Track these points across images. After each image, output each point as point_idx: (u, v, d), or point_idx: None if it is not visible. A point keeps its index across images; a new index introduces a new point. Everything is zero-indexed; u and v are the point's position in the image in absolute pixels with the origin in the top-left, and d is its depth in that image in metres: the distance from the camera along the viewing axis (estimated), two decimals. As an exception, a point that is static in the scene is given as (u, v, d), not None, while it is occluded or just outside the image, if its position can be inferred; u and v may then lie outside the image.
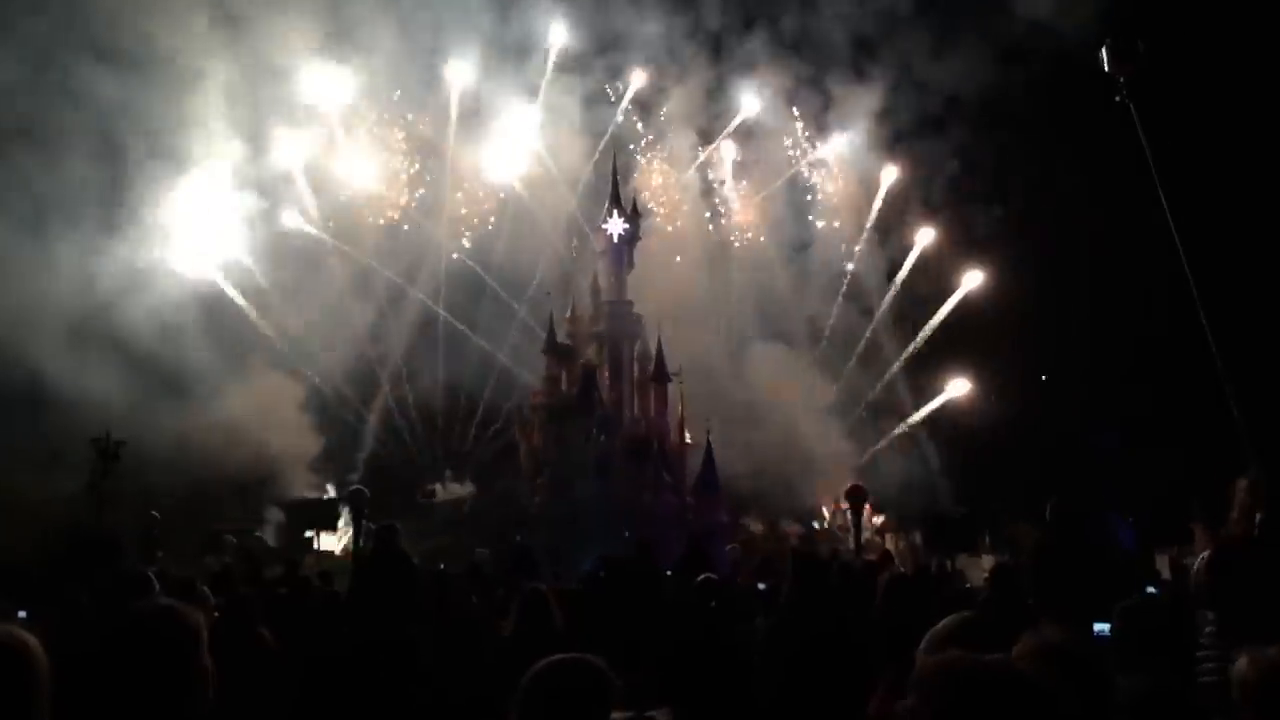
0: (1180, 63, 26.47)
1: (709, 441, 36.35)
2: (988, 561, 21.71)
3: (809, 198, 45.66)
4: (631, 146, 44.95)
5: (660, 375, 37.84)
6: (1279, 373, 22.65)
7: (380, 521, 11.50)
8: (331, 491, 36.01)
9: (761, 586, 11.06)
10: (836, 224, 45.23)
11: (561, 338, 38.60)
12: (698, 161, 45.54)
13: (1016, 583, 7.14)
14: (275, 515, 35.52)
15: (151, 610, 3.06)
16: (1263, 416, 9.26)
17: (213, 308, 35.83)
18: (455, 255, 41.56)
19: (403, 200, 41.85)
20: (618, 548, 19.68)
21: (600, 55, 43.45)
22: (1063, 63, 30.42)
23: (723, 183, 45.87)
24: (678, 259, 42.30)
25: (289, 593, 11.11)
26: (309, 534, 33.42)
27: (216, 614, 7.00)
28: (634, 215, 39.36)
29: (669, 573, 11.47)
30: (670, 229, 43.69)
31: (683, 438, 37.71)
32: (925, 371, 41.70)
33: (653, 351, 38.17)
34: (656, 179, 44.91)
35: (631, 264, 39.18)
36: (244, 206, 37.52)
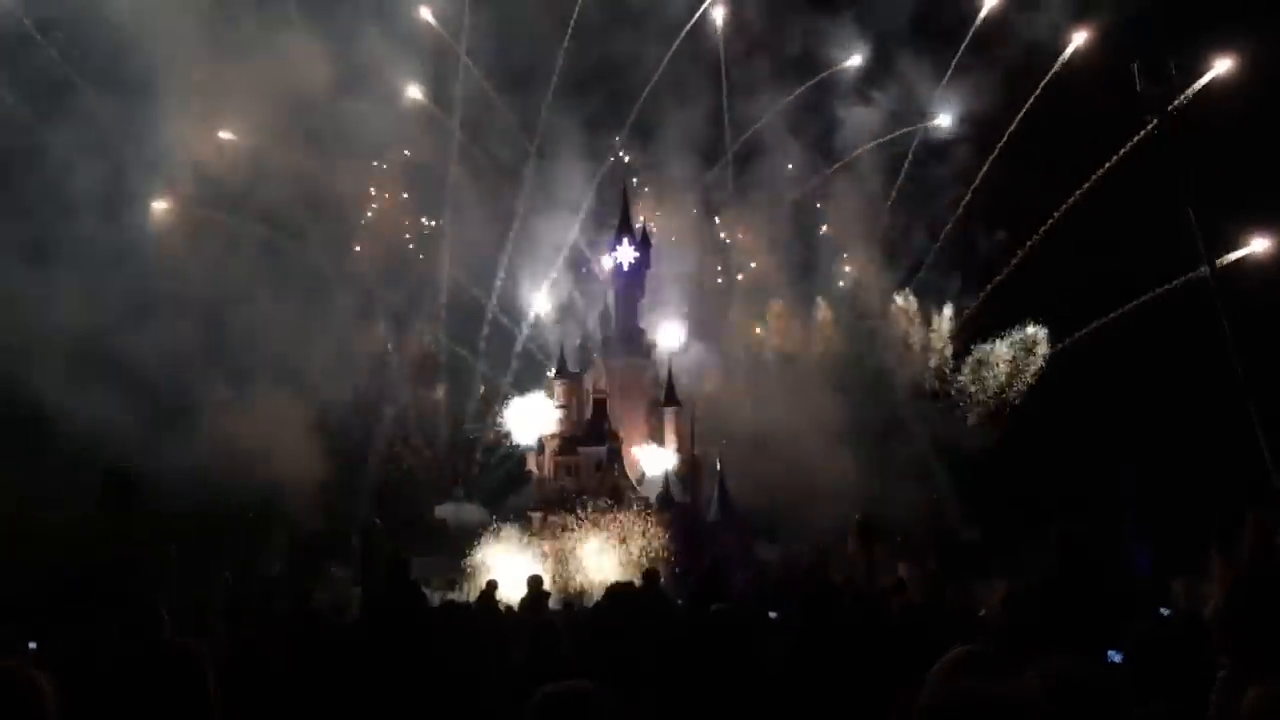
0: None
1: (720, 468, 36.28)
2: (1002, 588, 21.53)
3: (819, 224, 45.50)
4: (633, 174, 44.95)
5: (671, 402, 37.87)
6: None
7: (392, 554, 11.50)
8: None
9: (773, 615, 10.98)
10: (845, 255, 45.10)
11: (571, 366, 38.72)
12: (701, 183, 45.46)
13: (1027, 610, 7.08)
14: (286, 544, 35.45)
15: (160, 644, 3.07)
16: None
17: (216, 330, 35.86)
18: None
19: (405, 224, 42.05)
20: (631, 577, 19.61)
21: (602, 80, 43.46)
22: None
23: (726, 205, 45.83)
24: (684, 285, 42.28)
25: (299, 625, 11.08)
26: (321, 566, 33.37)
27: (228, 646, 7.00)
28: (644, 243, 39.52)
29: (680, 601, 11.43)
30: (675, 251, 43.55)
31: (694, 465, 37.64)
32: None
33: (663, 379, 38.23)
34: (658, 205, 44.85)
35: (642, 292, 39.30)
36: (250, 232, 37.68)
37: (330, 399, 37.89)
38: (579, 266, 43.61)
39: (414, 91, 41.52)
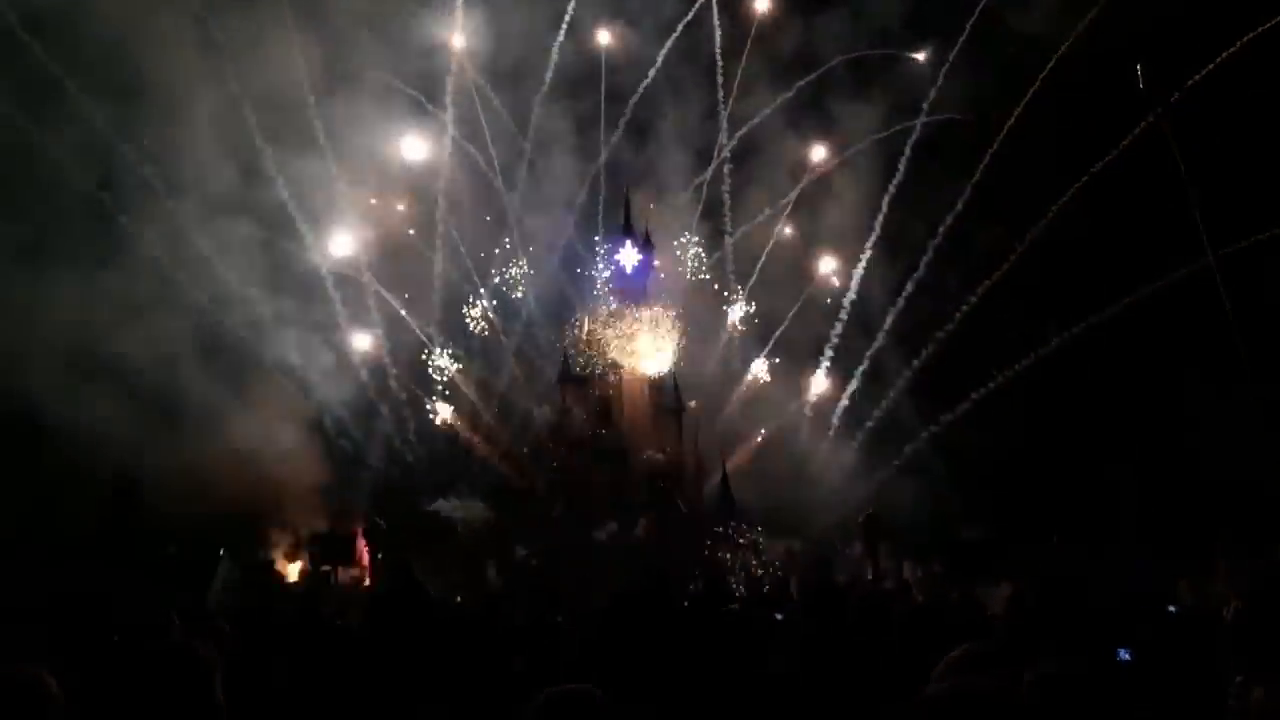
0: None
1: (724, 471, 36.27)
2: (1007, 588, 21.52)
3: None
4: (629, 174, 44.69)
5: (676, 405, 37.85)
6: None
7: (397, 555, 11.51)
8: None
9: (779, 617, 10.96)
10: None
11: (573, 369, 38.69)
12: (696, 182, 45.27)
13: (1031, 612, 7.07)
14: (289, 547, 35.47)
15: (165, 647, 3.08)
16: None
17: (213, 336, 35.82)
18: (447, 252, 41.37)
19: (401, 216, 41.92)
20: (637, 580, 19.61)
21: (595, 78, 43.21)
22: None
23: (723, 204, 45.66)
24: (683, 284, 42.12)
25: (304, 627, 11.09)
26: (326, 567, 33.36)
27: (233, 649, 7.00)
28: (647, 245, 39.39)
29: (687, 604, 11.41)
30: (673, 253, 43.41)
31: (698, 468, 37.60)
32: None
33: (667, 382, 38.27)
34: (653, 204, 44.65)
35: (645, 294, 39.23)
36: (242, 234, 37.59)
37: (328, 398, 37.91)
38: (573, 267, 43.31)
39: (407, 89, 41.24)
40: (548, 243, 41.84)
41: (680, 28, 42.19)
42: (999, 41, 37.57)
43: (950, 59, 40.32)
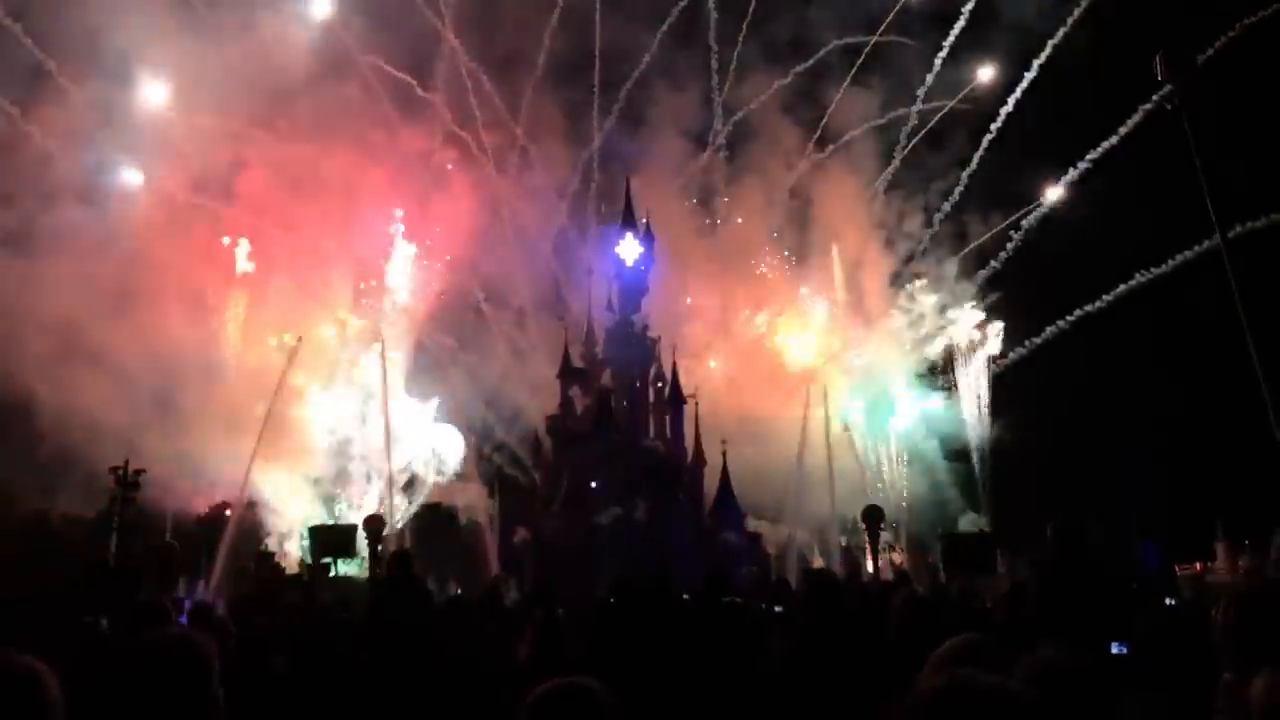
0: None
1: (725, 463, 36.13)
2: (1005, 580, 21.55)
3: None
4: (625, 160, 44.48)
5: (676, 398, 37.65)
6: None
7: (397, 548, 11.51)
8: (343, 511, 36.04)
9: (778, 609, 10.94)
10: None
11: (575, 361, 38.53)
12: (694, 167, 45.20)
13: (1026, 602, 7.08)
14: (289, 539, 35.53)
15: (164, 639, 3.08)
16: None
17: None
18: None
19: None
20: (638, 572, 19.60)
21: (590, 66, 43.10)
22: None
23: (719, 193, 45.61)
24: (683, 276, 42.07)
25: (304, 620, 11.09)
26: (326, 560, 33.33)
27: (234, 641, 7.00)
28: (648, 237, 38.85)
29: (687, 597, 11.38)
30: (671, 239, 43.23)
31: (699, 460, 37.46)
32: None
33: (667, 374, 38.03)
34: (652, 192, 44.43)
35: (646, 287, 38.78)
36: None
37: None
38: (566, 255, 43.21)
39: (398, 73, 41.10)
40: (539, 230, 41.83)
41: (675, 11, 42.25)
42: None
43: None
